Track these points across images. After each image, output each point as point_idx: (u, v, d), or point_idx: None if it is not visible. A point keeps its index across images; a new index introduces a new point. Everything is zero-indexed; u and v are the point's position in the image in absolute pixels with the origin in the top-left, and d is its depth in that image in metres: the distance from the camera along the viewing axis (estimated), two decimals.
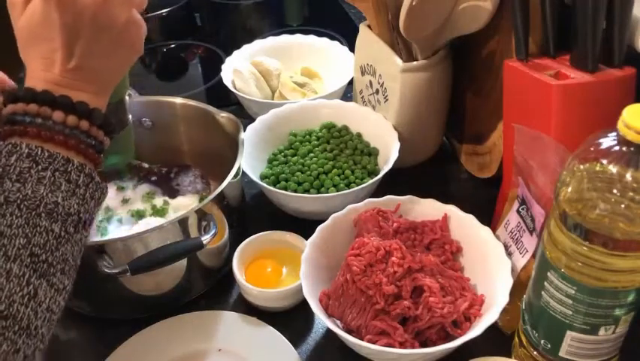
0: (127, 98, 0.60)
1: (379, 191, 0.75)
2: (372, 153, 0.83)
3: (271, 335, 0.65)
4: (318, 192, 0.77)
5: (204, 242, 0.63)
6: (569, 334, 0.52)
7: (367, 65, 0.84)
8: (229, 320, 0.67)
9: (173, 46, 1.27)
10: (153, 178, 0.80)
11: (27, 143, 0.44)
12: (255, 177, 0.77)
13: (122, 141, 0.60)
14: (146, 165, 0.79)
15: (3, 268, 0.40)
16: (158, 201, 0.75)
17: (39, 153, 0.43)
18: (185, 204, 0.76)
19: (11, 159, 0.43)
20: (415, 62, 0.77)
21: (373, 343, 0.58)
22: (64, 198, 0.44)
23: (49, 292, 0.43)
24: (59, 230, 0.43)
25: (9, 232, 0.41)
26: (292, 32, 1.10)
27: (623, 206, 0.45)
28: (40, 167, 0.43)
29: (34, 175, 0.43)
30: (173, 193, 0.79)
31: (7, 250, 0.40)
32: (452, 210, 0.69)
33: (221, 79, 0.99)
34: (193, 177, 0.80)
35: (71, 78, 0.46)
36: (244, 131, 0.76)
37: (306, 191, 0.78)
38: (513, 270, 0.61)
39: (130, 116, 0.61)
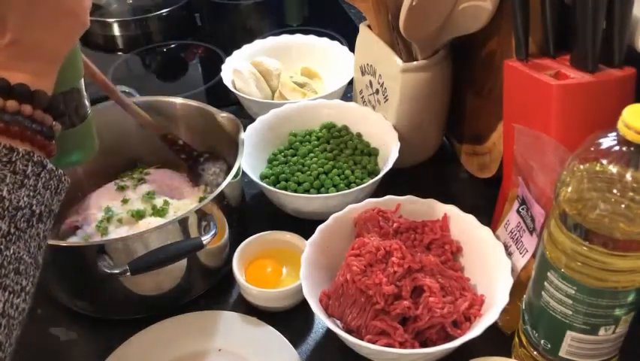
0: (83, 86, 0.52)
1: (379, 191, 0.75)
2: (372, 153, 0.83)
3: (271, 335, 0.65)
4: (318, 192, 0.77)
5: (204, 242, 0.63)
6: (569, 334, 0.52)
7: (367, 65, 0.84)
8: (229, 320, 0.67)
9: (173, 46, 1.27)
10: (183, 155, 0.80)
11: None
12: (255, 177, 0.77)
13: (81, 136, 0.52)
14: (181, 142, 0.79)
15: None
16: (158, 201, 0.75)
17: None
18: (185, 204, 0.76)
19: None
20: (415, 62, 0.77)
21: (373, 343, 0.58)
22: (10, 192, 0.39)
23: (3, 296, 0.37)
24: (7, 227, 0.38)
25: None
26: (292, 32, 1.10)
27: (623, 206, 0.45)
28: None
29: None
30: (196, 177, 0.79)
31: None
32: (452, 210, 0.69)
33: (221, 79, 0.99)
34: (219, 169, 0.79)
35: (6, 57, 0.41)
36: (244, 131, 0.76)
37: (306, 191, 0.78)
38: (513, 270, 0.61)
39: (89, 107, 0.53)
